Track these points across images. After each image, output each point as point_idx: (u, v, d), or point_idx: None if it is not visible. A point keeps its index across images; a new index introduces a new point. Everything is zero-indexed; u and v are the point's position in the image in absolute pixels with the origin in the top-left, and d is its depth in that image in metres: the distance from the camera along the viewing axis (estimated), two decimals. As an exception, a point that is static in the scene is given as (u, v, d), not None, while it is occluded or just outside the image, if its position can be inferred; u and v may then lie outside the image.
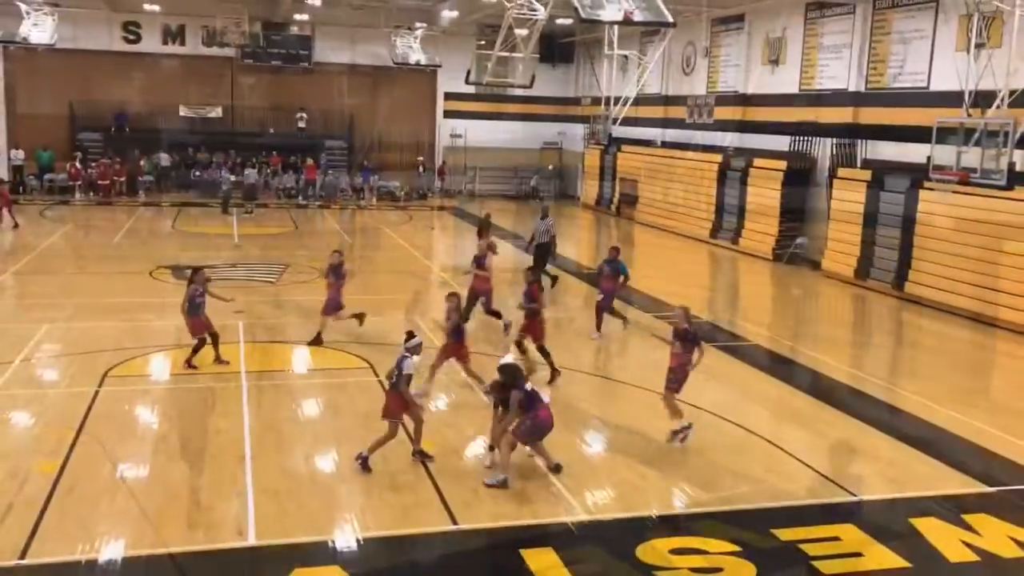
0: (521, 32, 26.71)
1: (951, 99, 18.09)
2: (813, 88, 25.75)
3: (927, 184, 18.96)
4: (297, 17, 37.59)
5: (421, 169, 39.35)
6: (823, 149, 24.81)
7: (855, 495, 9.58)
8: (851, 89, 23.99)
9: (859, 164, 23.36)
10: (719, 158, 28.86)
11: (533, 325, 13.32)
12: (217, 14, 34.50)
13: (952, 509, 9.24)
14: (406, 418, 9.95)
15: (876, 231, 21.58)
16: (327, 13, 36.80)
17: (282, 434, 10.72)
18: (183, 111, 38.67)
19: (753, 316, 18.90)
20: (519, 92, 35.51)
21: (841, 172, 23.27)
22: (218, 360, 13.19)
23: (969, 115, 16.37)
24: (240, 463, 9.77)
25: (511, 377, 9.65)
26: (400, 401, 9.72)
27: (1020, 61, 16.65)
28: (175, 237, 26.19)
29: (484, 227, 18.83)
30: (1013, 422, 12.16)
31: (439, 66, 38.53)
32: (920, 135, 19.13)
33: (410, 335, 9.91)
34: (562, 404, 12.41)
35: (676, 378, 10.95)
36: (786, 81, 26.95)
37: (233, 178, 33.13)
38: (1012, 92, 16.16)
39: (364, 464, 9.60)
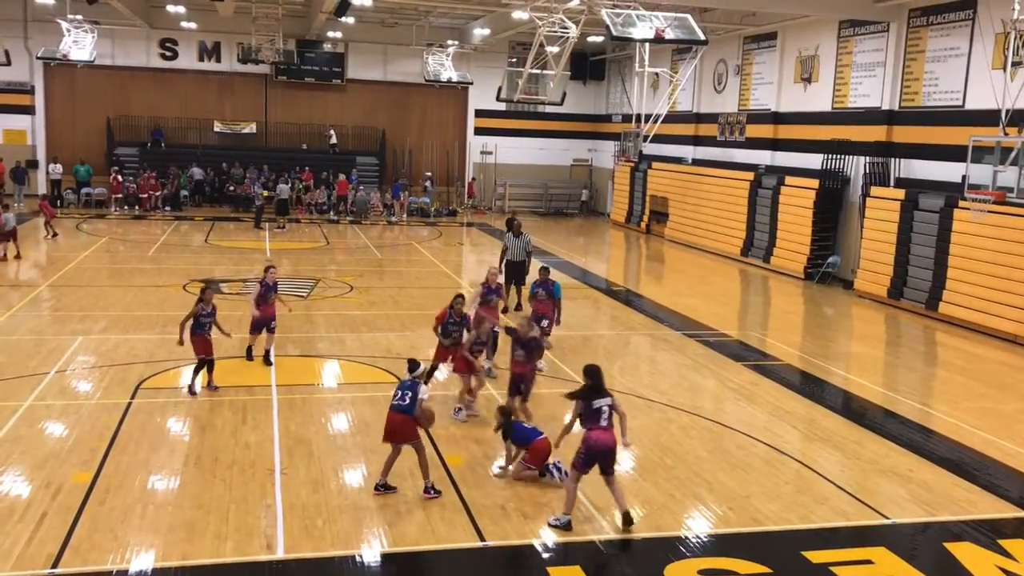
0: (552, 49, 26.79)
1: (987, 118, 17.90)
2: (846, 106, 25.59)
3: (962, 203, 18.74)
4: (330, 35, 38.05)
5: (429, 184, 39.42)
6: (856, 168, 24.62)
7: (888, 518, 9.44)
8: (884, 107, 23.81)
9: (893, 183, 23.15)
10: (751, 176, 28.72)
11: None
12: (252, 31, 35.01)
13: (987, 534, 9.09)
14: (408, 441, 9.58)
15: (910, 250, 21.35)
16: (360, 31, 37.30)
17: (312, 448, 10.78)
18: (217, 127, 39.27)
19: (784, 335, 18.73)
20: (550, 109, 35.67)
21: (874, 191, 23.06)
22: (210, 386, 12.76)
23: (1006, 133, 16.18)
24: (270, 477, 9.83)
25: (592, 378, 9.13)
26: (413, 426, 9.43)
27: (1058, 80, 16.50)
28: (208, 251, 26.47)
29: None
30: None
31: (471, 83, 38.80)
32: (955, 154, 18.95)
33: (415, 363, 9.68)
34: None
35: (527, 387, 11.48)
36: (819, 99, 26.80)
37: (266, 193, 33.49)
38: (1050, 111, 16.02)
39: (386, 489, 9.46)
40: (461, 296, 12.92)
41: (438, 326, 12.71)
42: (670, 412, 12.81)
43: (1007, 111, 16.29)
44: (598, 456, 8.84)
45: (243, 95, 39.52)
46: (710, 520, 9.26)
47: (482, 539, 8.57)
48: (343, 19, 32.13)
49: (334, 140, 39.86)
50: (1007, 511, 9.80)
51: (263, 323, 14.05)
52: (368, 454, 10.66)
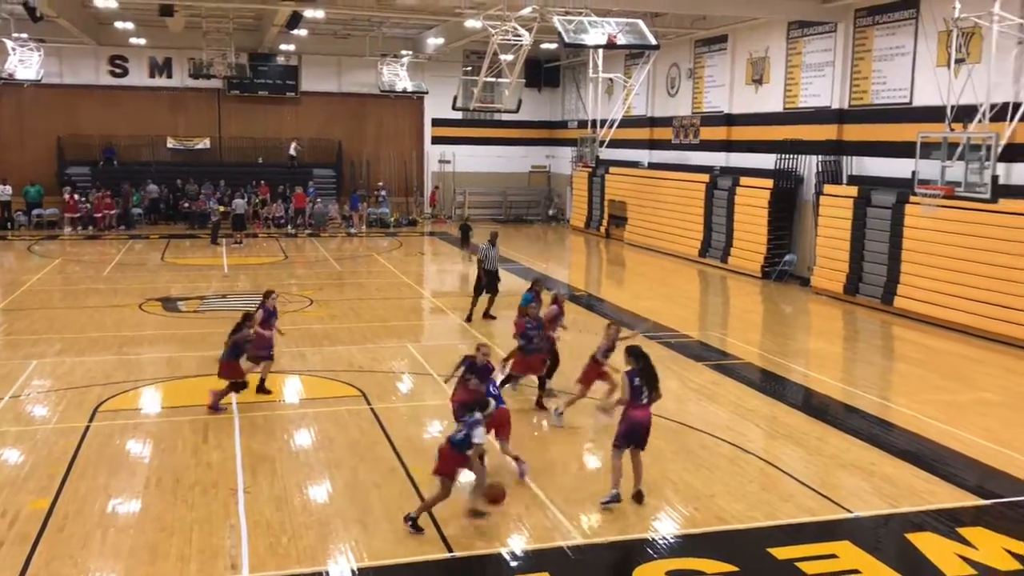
0: (506, 57, 26.84)
1: (934, 114, 18.26)
2: (797, 106, 25.96)
3: (913, 199, 19.08)
4: (283, 48, 37.80)
5: (381, 195, 39.30)
6: (809, 166, 24.98)
7: (851, 512, 9.57)
8: (835, 106, 24.19)
9: (845, 180, 23.51)
10: (706, 178, 29.01)
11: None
12: (203, 46, 34.66)
13: (948, 523, 9.24)
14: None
15: (864, 246, 21.70)
16: (313, 43, 37.08)
17: (275, 465, 10.66)
18: (171, 143, 38.81)
19: (744, 334, 18.92)
20: (506, 117, 35.70)
21: (827, 189, 23.42)
22: (214, 407, 12.56)
23: (952, 129, 16.50)
24: (233, 496, 9.71)
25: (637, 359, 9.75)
26: (462, 462, 9.00)
27: (999, 75, 16.84)
28: (165, 269, 26.13)
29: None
30: (1006, 434, 12.18)
31: (426, 93, 38.77)
32: (905, 150, 19.28)
33: (484, 405, 9.26)
34: (556, 427, 12.42)
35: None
36: (770, 100, 27.16)
37: (222, 209, 33.16)
38: (993, 106, 16.31)
39: (415, 526, 8.85)
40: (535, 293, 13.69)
41: (518, 334, 13.15)
42: (634, 415, 12.84)
43: (952, 107, 16.61)
44: (639, 432, 9.53)
45: (196, 110, 39.10)
46: (677, 521, 9.31)
47: (450, 550, 8.53)
48: (295, 32, 31.95)
49: (294, 152, 39.56)
50: (966, 500, 9.97)
51: (265, 351, 13.36)
52: (332, 469, 10.58)
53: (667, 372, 15.19)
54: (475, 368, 10.64)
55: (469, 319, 19.01)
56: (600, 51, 29.13)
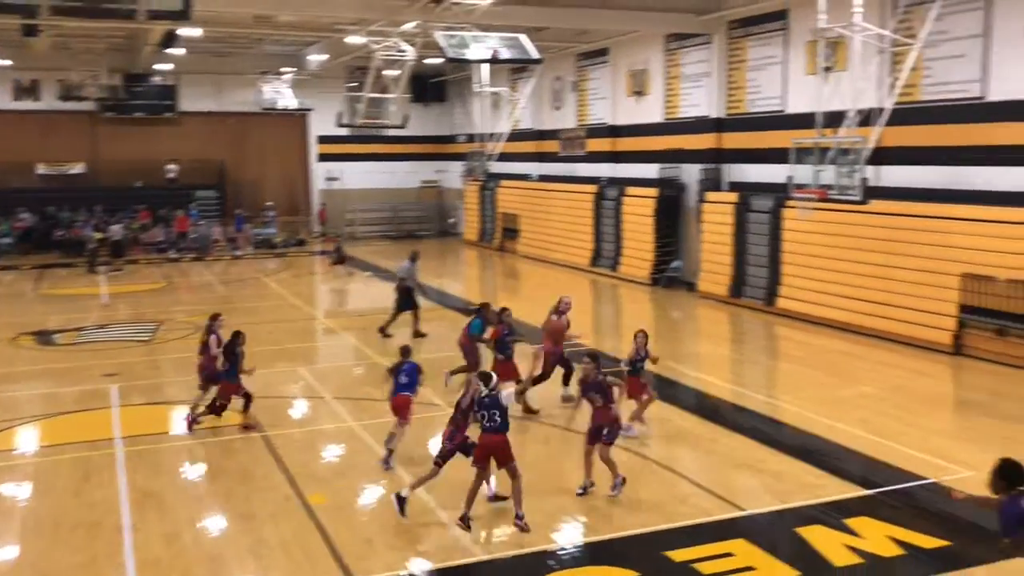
0: (391, 73, 26.74)
1: (806, 121, 19.00)
2: (678, 116, 26.67)
3: (789, 203, 19.82)
4: (159, 67, 36.63)
5: (268, 215, 38.62)
6: (691, 175, 25.67)
7: (744, 510, 9.81)
8: (713, 116, 24.95)
9: (726, 187, 24.27)
10: (594, 189, 29.49)
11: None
12: (73, 67, 33.26)
13: (835, 515, 9.57)
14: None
15: (746, 250, 22.43)
16: (191, 62, 36.03)
17: (163, 500, 10.24)
18: (41, 169, 37.04)
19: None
20: (393, 132, 35.53)
21: (709, 196, 24.12)
22: (214, 414, 12.75)
23: (823, 135, 17.21)
24: (118, 534, 9.28)
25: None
26: (509, 449, 9.14)
27: (864, 82, 17.67)
28: (39, 301, 24.90)
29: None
30: (885, 426, 12.72)
31: (310, 110, 38.19)
32: (780, 156, 20.01)
33: (487, 376, 9.41)
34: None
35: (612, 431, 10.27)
36: (652, 111, 27.82)
37: (99, 235, 31.81)
38: (860, 111, 17.10)
39: (465, 522, 9.04)
40: (507, 309, 13.66)
41: (492, 342, 13.24)
42: (532, 426, 12.91)
43: (822, 114, 17.33)
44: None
45: (68, 134, 37.42)
46: (576, 530, 9.36)
47: (349, 576, 8.36)
48: (171, 51, 31.02)
49: (172, 175, 38.31)
50: (851, 491, 10.34)
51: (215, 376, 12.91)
52: (224, 501, 10.23)
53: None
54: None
55: (383, 330, 18.81)
56: (485, 65, 29.30)
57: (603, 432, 10.16)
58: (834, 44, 19.50)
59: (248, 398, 12.83)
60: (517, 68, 34.24)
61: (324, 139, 40.84)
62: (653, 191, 26.43)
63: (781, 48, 22.44)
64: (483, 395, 9.19)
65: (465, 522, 9.09)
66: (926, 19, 17.43)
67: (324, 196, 41.64)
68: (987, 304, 16.38)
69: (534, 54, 21.43)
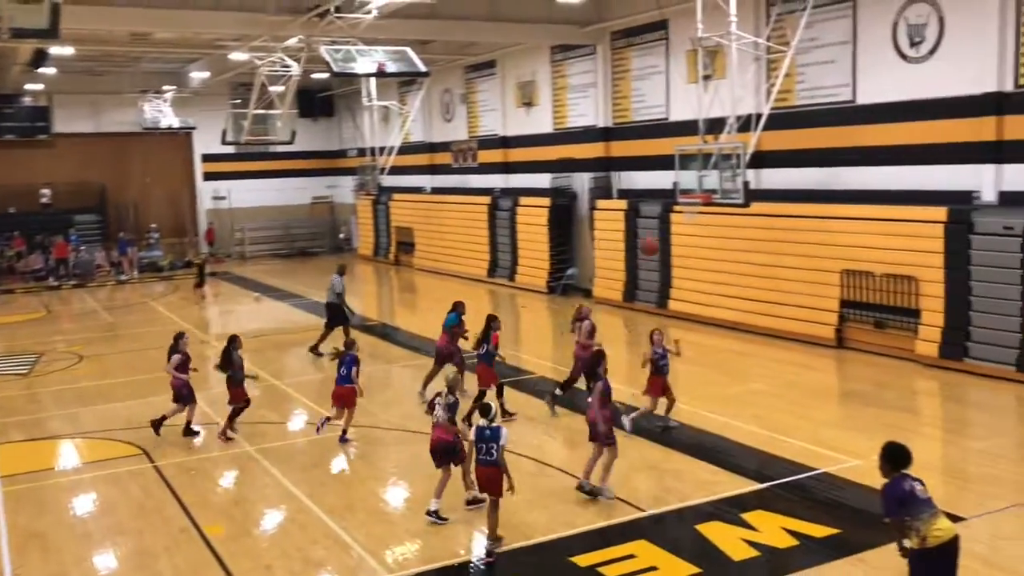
0: (276, 89, 26.29)
1: (689, 128, 19.57)
2: (566, 127, 27.05)
3: (676, 208, 20.33)
4: (30, 87, 35.06)
5: (153, 237, 37.54)
6: (582, 183, 26.07)
7: (644, 510, 9.98)
8: (600, 125, 25.41)
9: (616, 195, 24.73)
10: (488, 200, 29.62)
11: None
12: (-65, 89, 31.59)
13: (732, 510, 9.83)
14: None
15: (637, 255, 22.89)
16: (65, 81, 34.60)
17: (48, 541, 9.76)
18: (-98, 197, 34.97)
19: (535, 348, 19.39)
20: (282, 148, 34.95)
21: (600, 204, 24.54)
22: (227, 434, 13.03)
23: (705, 141, 17.72)
24: (0, 581, 8.80)
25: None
26: (500, 481, 8.96)
27: (742, 89, 18.30)
28: (-95, 337, 23.43)
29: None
30: (776, 421, 13.15)
31: (193, 128, 37.19)
32: (666, 163, 20.51)
33: (487, 408, 9.23)
34: (363, 461, 12.20)
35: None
36: (541, 122, 28.15)
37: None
38: (739, 118, 17.68)
39: (491, 555, 8.92)
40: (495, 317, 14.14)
41: (482, 347, 13.68)
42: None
43: (704, 120, 17.85)
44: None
45: (-69, 159, 35.48)
46: (481, 542, 9.33)
47: (250, 606, 8.13)
48: (43, 70, 29.74)
49: (47, 201, 36.68)
50: (746, 486, 10.65)
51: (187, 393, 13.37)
52: (115, 537, 9.82)
53: (470, 396, 15.28)
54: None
55: (314, 349, 18.93)
56: (372, 79, 29.12)
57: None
58: (712, 53, 20.13)
59: (247, 404, 13.18)
60: (405, 81, 34.17)
61: (209, 157, 39.82)
62: (546, 200, 26.72)
63: (663, 58, 23.04)
64: (484, 427, 9.01)
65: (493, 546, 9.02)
66: (797, 27, 18.19)
67: (211, 216, 40.59)
68: (866, 298, 17.15)
69: (421, 67, 21.42)
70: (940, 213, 15.84)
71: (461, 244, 31.04)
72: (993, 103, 15.73)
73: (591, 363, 11.26)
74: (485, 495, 9.22)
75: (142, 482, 11.51)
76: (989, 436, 12.06)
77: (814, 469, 11.03)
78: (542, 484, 10.95)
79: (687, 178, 17.64)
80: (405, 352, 19.44)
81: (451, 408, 10.01)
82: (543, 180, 27.46)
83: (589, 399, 10.62)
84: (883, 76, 17.67)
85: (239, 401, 13.14)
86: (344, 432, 12.72)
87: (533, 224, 27.16)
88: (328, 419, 12.94)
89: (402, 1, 19.12)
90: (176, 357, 13.32)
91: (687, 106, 20.40)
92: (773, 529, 9.29)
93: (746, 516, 9.63)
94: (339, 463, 12.30)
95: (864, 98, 18.13)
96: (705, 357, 17.93)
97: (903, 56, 17.28)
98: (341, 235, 42.29)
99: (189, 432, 13.33)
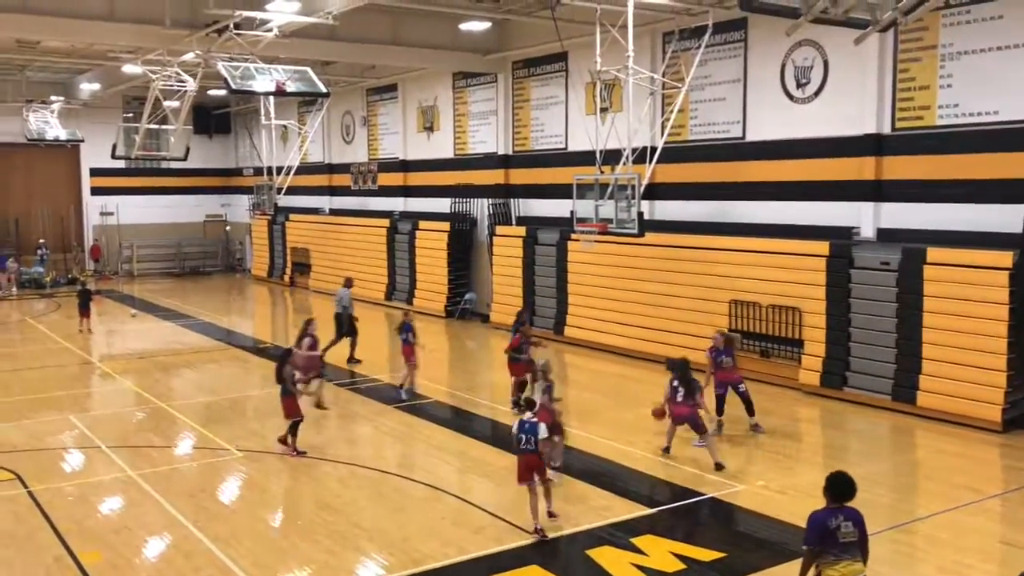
0: (171, 104, 25.62)
1: (586, 158, 19.95)
2: (467, 152, 27.23)
3: (573, 236, 20.65)
4: (-97, 92, 33.26)
5: (42, 254, 36.06)
6: (481, 209, 26.24)
7: (539, 536, 10.04)
8: (500, 152, 25.67)
9: (514, 221, 24.98)
10: (387, 223, 29.48)
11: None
12: None
13: (622, 535, 9.98)
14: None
15: (534, 282, 23.15)
16: (-58, 87, 32.99)
17: (-92, 573, 9.20)
18: None
19: (432, 373, 19.26)
20: (175, 165, 34.00)
21: (499, 230, 24.74)
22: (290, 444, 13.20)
23: (602, 172, 18.09)
24: None
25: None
26: (542, 462, 10.13)
27: (638, 123, 18.79)
28: None
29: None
30: (663, 445, 13.44)
31: (81, 141, 35.81)
32: (564, 192, 20.85)
33: (532, 402, 10.55)
34: (252, 486, 11.91)
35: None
36: (442, 147, 28.25)
37: None
38: (635, 150, 18.13)
39: (542, 533, 9.90)
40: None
41: (510, 349, 15.59)
42: (326, 466, 12.65)
43: (601, 151, 18.25)
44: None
45: None
46: (373, 571, 9.24)
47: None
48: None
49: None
50: (637, 511, 10.84)
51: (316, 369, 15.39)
52: (8, 568, 9.33)
53: (360, 419, 15.21)
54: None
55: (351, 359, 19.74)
56: (272, 98, 28.71)
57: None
58: (610, 86, 20.67)
59: (298, 424, 13.28)
60: (306, 101, 33.82)
61: (98, 172, 38.44)
62: (445, 225, 26.77)
63: (563, 88, 23.48)
64: (526, 420, 10.09)
65: (540, 533, 9.91)
66: (691, 64, 18.83)
67: (99, 232, 39.15)
68: (753, 328, 17.76)
69: (322, 88, 21.25)
70: (823, 247, 16.56)
71: (359, 267, 30.72)
72: (872, 144, 16.59)
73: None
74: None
75: (14, 508, 10.96)
76: (866, 463, 12.61)
77: (702, 494, 11.32)
78: (434, 509, 10.91)
79: (584, 207, 17.94)
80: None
81: (548, 391, 11.94)
82: (443, 205, 27.52)
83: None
84: (771, 115, 18.44)
85: (295, 415, 13.16)
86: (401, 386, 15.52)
87: (432, 248, 27.16)
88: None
89: (304, 21, 18.97)
90: (307, 340, 15.32)
91: (585, 137, 20.81)
92: (662, 553, 9.48)
93: (636, 541, 9.80)
94: (227, 488, 11.99)
95: (753, 135, 18.87)
96: (598, 383, 18.22)
97: (790, 96, 18.09)
98: (237, 257, 41.33)
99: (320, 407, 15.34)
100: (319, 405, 15.43)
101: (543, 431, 9.95)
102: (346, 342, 19.88)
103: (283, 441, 13.18)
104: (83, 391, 18.59)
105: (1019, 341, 13.97)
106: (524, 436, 9.97)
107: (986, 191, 14.95)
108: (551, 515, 10.27)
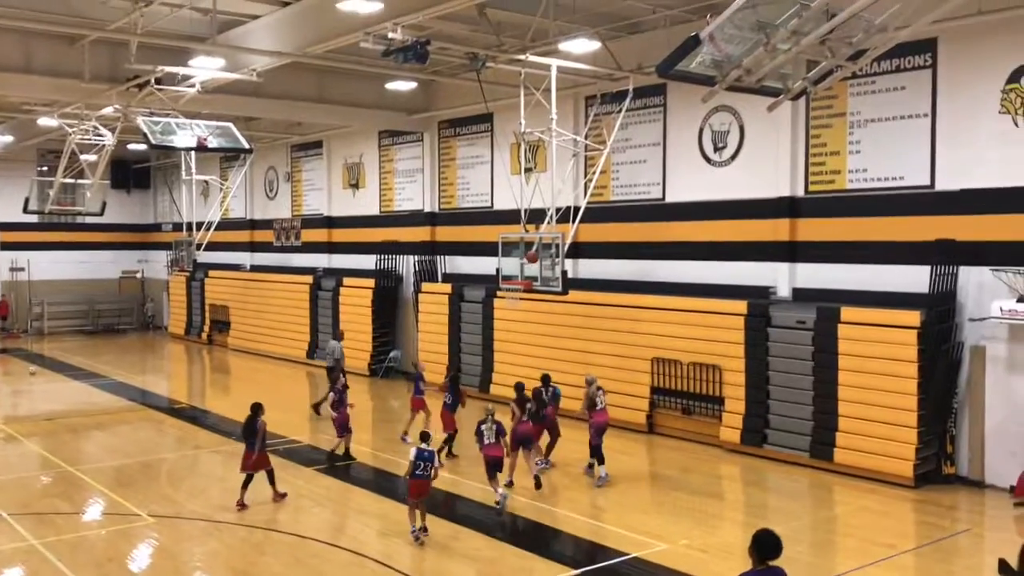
0: (88, 158, 25.06)
1: (511, 217, 20.14)
2: (393, 210, 27.23)
3: (499, 293, 20.71)
4: None
5: None
6: (407, 266, 26.18)
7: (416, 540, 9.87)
8: (427, 209, 25.75)
9: (440, 278, 24.96)
10: (310, 279, 29.16)
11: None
12: None
13: (546, 597, 9.87)
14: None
15: (460, 339, 23.08)
16: None
17: None
18: None
19: (355, 434, 18.96)
20: (90, 220, 33.12)
21: (425, 287, 24.68)
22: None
23: (526, 231, 18.25)
24: None
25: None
26: (429, 487, 12.00)
27: (562, 183, 19.08)
28: None
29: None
30: (590, 505, 13.42)
31: (-9, 194, 34.72)
32: (490, 249, 20.96)
33: (426, 435, 12.31)
34: (164, 554, 11.45)
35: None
36: (368, 203, 28.21)
37: None
38: (558, 209, 18.38)
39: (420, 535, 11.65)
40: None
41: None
42: (242, 531, 12.25)
43: (526, 210, 18.44)
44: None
45: None
46: (290, 640, 8.93)
47: None
48: None
49: None
50: (559, 572, 10.75)
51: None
52: None
53: (279, 482, 14.77)
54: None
55: (316, 407, 20.35)
56: (193, 153, 28.34)
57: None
58: (535, 147, 21.01)
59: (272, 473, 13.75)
60: (228, 156, 33.50)
61: (8, 226, 37.19)
62: (370, 282, 26.59)
63: (488, 148, 23.76)
64: (424, 449, 11.75)
65: (417, 534, 11.72)
66: (613, 127, 19.28)
67: (7, 287, 37.77)
68: (674, 385, 17.97)
69: (245, 144, 21.06)
70: (741, 306, 16.94)
71: (280, 324, 30.27)
72: (787, 207, 17.14)
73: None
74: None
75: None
76: (786, 520, 12.77)
77: (625, 554, 11.29)
78: (355, 574, 10.63)
79: (509, 265, 18.05)
80: (214, 437, 18.56)
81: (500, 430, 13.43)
82: (368, 261, 27.37)
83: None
84: (690, 177, 18.93)
85: (265, 466, 13.56)
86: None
87: (356, 305, 26.90)
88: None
89: (227, 77, 18.85)
90: (331, 396, 16.70)
91: (510, 196, 21.03)
92: (585, 615, 9.40)
93: (559, 603, 9.70)
94: (137, 556, 11.51)
95: (673, 196, 19.32)
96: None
97: (708, 159, 18.62)
98: (147, 311, 40.24)
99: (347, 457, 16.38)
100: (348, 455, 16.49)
101: (437, 460, 11.89)
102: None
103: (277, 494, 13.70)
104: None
105: (928, 398, 14.43)
106: (423, 463, 11.57)
107: (894, 252, 15.55)
108: (424, 529, 11.81)
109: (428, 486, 11.83)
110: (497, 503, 13.01)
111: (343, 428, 16.32)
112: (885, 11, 9.39)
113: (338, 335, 22.10)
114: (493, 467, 13.21)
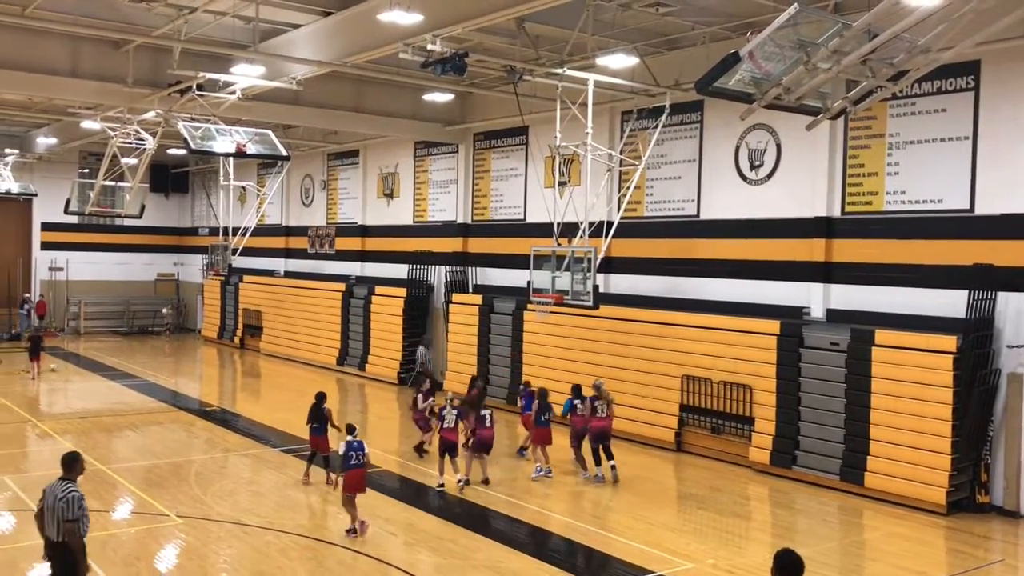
0: (129, 161, 25.48)
1: (544, 230, 20.17)
2: (426, 220, 27.36)
3: (529, 306, 20.72)
4: None
5: (25, 308, 35.38)
6: (439, 276, 26.27)
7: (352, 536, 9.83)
8: (460, 221, 25.84)
9: (471, 289, 25.02)
10: (342, 287, 29.35)
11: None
12: None
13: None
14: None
15: (489, 351, 23.09)
16: None
17: None
18: None
19: (381, 441, 19.02)
20: (129, 222, 33.66)
21: (455, 297, 24.74)
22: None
23: (559, 244, 18.27)
24: None
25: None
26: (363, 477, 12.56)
27: (595, 198, 19.08)
28: None
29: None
30: (615, 521, 13.34)
31: (34, 195, 35.37)
32: (521, 262, 21.01)
33: (352, 427, 12.75)
34: (191, 554, 11.53)
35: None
36: (401, 213, 28.37)
37: None
38: (591, 224, 18.37)
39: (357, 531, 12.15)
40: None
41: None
42: (269, 535, 12.33)
43: (559, 224, 18.45)
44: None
45: None
46: (313, 645, 8.95)
47: None
48: None
49: None
50: (584, 587, 10.71)
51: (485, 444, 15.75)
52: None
53: (306, 488, 14.86)
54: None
55: None
56: (231, 159, 28.70)
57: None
58: (569, 161, 20.99)
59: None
60: (265, 163, 33.87)
61: (49, 226, 37.90)
62: (402, 291, 26.72)
63: (522, 161, 23.81)
64: (353, 440, 12.28)
65: (354, 533, 12.19)
66: (648, 143, 19.25)
67: (47, 287, 38.41)
68: (704, 404, 17.85)
69: (282, 151, 21.31)
70: (773, 326, 16.79)
71: (312, 330, 30.48)
72: (823, 227, 16.99)
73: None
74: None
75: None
76: (815, 543, 12.62)
77: (649, 572, 11.21)
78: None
79: (540, 278, 18.05)
80: (244, 440, 18.72)
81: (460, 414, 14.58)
82: (400, 271, 27.51)
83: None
84: (725, 194, 18.83)
85: (325, 449, 14.97)
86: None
87: (388, 314, 27.04)
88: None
89: (268, 85, 19.09)
90: (419, 396, 17.22)
91: (543, 209, 21.05)
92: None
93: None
94: (164, 556, 11.61)
95: (707, 214, 19.23)
96: (555, 455, 18.02)
97: (744, 177, 18.52)
98: (166, 320, 40.28)
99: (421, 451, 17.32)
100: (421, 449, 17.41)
101: (365, 447, 12.40)
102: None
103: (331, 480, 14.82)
104: (19, 451, 18.01)
105: (962, 424, 14.20)
106: (353, 454, 12.15)
107: (931, 276, 15.34)
108: (364, 524, 12.28)
109: (362, 476, 12.33)
110: (440, 485, 14.60)
111: (426, 425, 17.24)
112: (928, 32, 9.30)
113: (426, 341, 23.50)
114: (447, 449, 14.61)
